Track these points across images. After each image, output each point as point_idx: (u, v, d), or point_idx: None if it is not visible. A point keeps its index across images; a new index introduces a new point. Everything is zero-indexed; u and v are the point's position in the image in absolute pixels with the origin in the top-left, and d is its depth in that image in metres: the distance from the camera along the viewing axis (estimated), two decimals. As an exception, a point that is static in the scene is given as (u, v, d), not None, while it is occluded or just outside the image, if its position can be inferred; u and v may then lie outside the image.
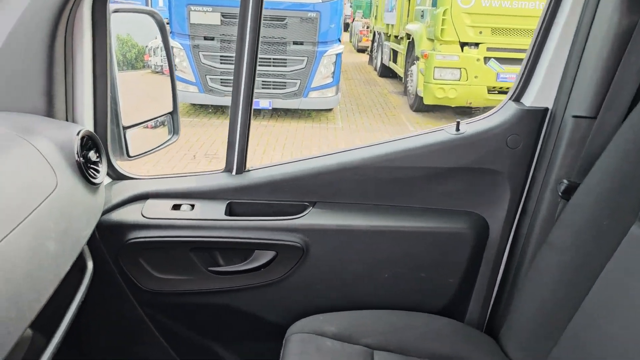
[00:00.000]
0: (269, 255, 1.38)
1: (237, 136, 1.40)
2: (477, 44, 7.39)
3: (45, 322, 0.94)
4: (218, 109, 7.67)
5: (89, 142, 1.20)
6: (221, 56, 6.96)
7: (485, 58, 7.35)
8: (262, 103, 7.04)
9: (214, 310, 1.44)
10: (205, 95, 7.10)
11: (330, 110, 7.97)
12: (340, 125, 7.41)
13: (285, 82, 7.11)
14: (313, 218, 1.39)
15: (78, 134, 1.14)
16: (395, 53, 10.56)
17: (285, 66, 7.08)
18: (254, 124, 6.98)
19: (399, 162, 1.40)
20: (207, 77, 7.00)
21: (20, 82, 1.18)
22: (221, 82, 7.05)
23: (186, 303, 1.43)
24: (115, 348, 1.49)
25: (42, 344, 1.03)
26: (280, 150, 5.95)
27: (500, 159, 1.36)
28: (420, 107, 8.19)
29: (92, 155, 1.20)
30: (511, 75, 7.36)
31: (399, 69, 10.16)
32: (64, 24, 1.18)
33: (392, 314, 1.39)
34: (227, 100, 7.10)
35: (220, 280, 1.39)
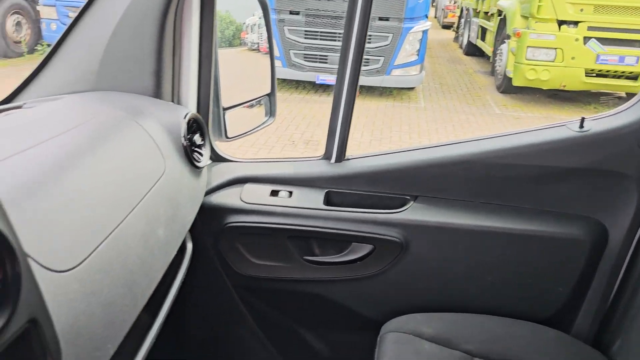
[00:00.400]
0: (366, 248, 1.33)
1: (339, 124, 1.36)
2: (576, 23, 6.86)
3: (148, 301, 0.95)
4: (300, 84, 7.68)
5: (194, 125, 1.20)
6: (305, 31, 6.91)
7: (584, 38, 6.81)
8: (343, 80, 6.98)
9: (307, 299, 1.43)
10: (288, 70, 7.11)
11: (412, 88, 7.75)
12: (422, 104, 7.20)
13: (369, 59, 6.97)
14: (414, 213, 1.32)
15: (185, 117, 1.14)
16: (484, 30, 10.06)
17: (370, 42, 6.93)
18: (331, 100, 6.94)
19: (512, 159, 1.29)
20: (291, 51, 6.99)
21: (131, 63, 1.19)
22: (304, 57, 7.03)
23: (280, 290, 1.42)
24: (209, 328, 1.51)
25: (146, 323, 1.05)
26: (360, 129, 5.88)
27: (629, 161, 1.23)
28: (508, 88, 7.77)
29: (197, 138, 1.20)
30: (613, 57, 6.80)
31: (487, 47, 9.69)
32: (174, 6, 1.17)
33: (494, 320, 1.30)
34: (308, 76, 7.10)
35: (315, 270, 1.37)
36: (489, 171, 1.31)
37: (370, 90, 7.51)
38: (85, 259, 0.69)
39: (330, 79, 6.87)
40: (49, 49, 1.18)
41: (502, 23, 8.31)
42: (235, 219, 1.33)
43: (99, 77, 1.18)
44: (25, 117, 0.95)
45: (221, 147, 1.51)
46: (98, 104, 1.08)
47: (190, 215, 1.12)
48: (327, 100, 7.03)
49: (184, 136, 1.12)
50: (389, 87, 7.47)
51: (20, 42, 8.40)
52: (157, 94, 1.22)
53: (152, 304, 1.09)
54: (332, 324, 1.48)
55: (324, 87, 7.49)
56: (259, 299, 1.46)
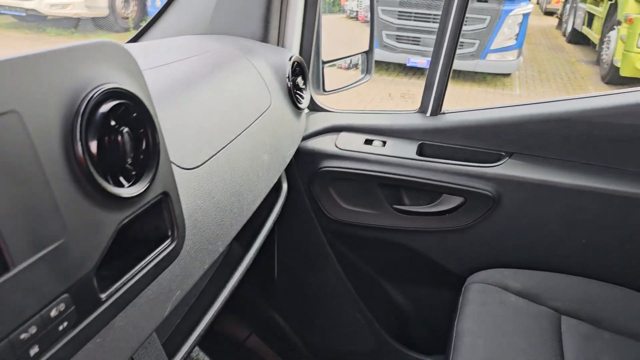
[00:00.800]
0: (457, 200, 1.33)
1: (437, 77, 1.36)
2: (700, 8, 6.28)
3: (242, 233, 1.02)
4: (390, 66, 7.62)
5: (297, 69, 1.25)
6: (399, 11, 6.83)
7: None
8: (435, 62, 6.82)
9: (392, 248, 1.45)
10: (379, 51, 7.05)
11: (508, 75, 7.44)
12: (517, 92, 6.90)
13: (463, 42, 6.76)
14: (509, 168, 1.30)
15: (290, 59, 1.20)
16: (591, 16, 9.41)
17: (465, 24, 6.70)
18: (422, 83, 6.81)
19: (617, 118, 1.23)
20: (383, 32, 6.93)
21: (242, 9, 1.27)
22: (396, 39, 6.95)
23: (367, 237, 1.46)
24: (295, 265, 1.58)
25: (239, 254, 1.13)
26: (450, 112, 5.75)
27: None
28: (614, 78, 7.23)
29: (300, 82, 1.26)
30: None
31: (593, 34, 9.06)
32: None
33: (585, 282, 1.26)
34: (399, 58, 7.01)
35: (403, 220, 1.38)
36: (592, 130, 1.25)
37: (462, 74, 7.30)
38: (203, 163, 0.76)
39: (422, 62, 6.75)
40: None
41: (613, 8, 7.74)
42: (329, 164, 1.38)
43: (212, 22, 1.27)
44: (150, 47, 1.05)
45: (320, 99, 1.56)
46: (213, 42, 1.16)
47: (289, 150, 1.18)
48: (417, 83, 6.93)
49: (289, 77, 1.18)
50: (483, 72, 7.21)
51: (127, 17, 8.96)
52: (265, 38, 1.29)
53: (245, 237, 1.17)
54: (413, 274, 1.50)
55: (414, 70, 7.38)
56: (344, 243, 1.50)
